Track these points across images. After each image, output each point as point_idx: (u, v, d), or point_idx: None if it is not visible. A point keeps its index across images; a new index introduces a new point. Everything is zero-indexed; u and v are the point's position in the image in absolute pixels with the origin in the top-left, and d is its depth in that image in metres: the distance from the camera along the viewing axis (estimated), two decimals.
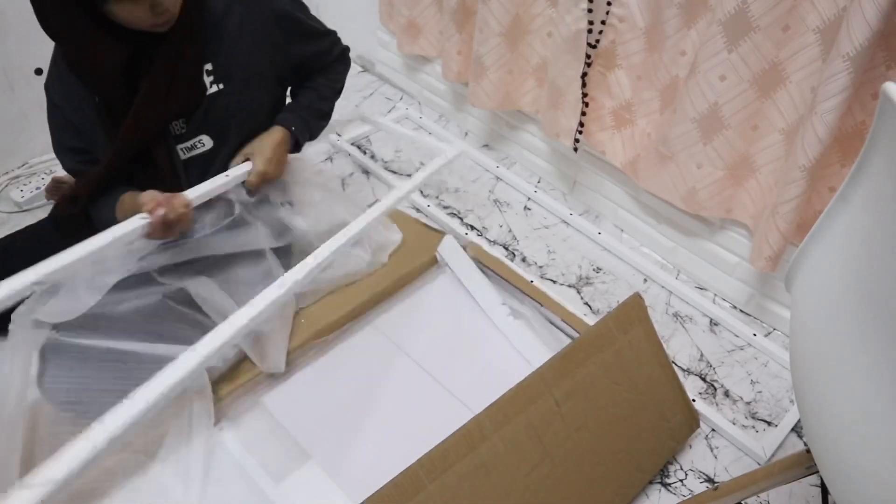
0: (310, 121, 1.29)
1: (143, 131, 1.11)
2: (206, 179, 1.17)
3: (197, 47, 1.10)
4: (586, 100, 1.54)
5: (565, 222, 1.74)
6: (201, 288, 1.19)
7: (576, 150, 1.61)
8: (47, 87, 1.12)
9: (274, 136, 1.22)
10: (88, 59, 1.03)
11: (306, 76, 1.32)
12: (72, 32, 1.00)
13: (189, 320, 1.20)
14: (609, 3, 1.43)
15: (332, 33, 1.35)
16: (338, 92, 1.37)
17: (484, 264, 1.43)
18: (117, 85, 1.06)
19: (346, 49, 1.39)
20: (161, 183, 1.15)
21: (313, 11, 1.30)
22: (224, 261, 1.23)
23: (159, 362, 0.95)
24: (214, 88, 1.14)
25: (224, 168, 1.21)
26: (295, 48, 1.24)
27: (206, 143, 1.18)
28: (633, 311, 1.20)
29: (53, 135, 1.16)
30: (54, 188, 1.65)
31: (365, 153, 1.89)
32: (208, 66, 1.13)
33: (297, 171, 1.30)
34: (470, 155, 1.90)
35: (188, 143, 1.17)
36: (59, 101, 1.11)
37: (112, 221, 1.10)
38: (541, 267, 1.59)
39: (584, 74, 1.50)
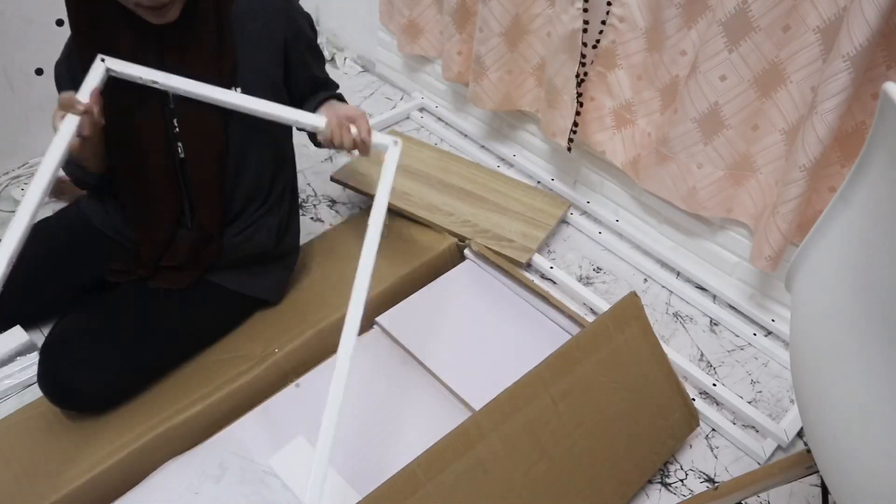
0: None
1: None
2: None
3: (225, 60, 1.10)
4: (581, 100, 1.54)
5: (565, 222, 1.74)
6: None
7: (569, 149, 1.61)
8: (57, 71, 1.13)
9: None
10: (103, 38, 1.03)
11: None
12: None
13: None
14: (609, 3, 1.43)
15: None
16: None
17: (487, 259, 1.44)
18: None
19: None
20: (156, 177, 1.14)
21: (314, 11, 1.29)
22: None
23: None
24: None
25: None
26: (307, 68, 1.22)
27: None
28: (629, 310, 1.20)
29: None
30: (56, 187, 1.65)
31: None
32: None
33: None
34: (469, 153, 1.90)
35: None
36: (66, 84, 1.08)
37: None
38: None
39: (580, 74, 1.50)
